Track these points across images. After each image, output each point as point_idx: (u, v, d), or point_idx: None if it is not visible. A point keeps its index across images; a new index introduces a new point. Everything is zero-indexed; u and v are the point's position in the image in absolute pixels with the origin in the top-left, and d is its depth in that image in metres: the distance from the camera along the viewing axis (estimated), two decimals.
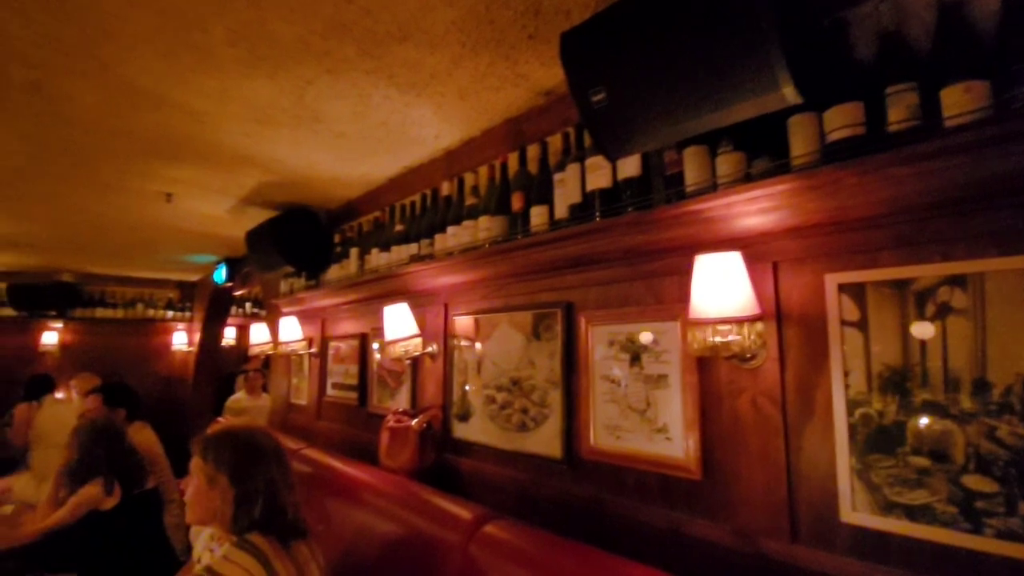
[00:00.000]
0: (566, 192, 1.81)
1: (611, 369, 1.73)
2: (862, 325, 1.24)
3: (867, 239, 1.25)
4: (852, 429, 1.23)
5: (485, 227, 2.14)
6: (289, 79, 1.89)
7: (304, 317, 3.61)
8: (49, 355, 6.34)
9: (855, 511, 1.22)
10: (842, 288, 1.27)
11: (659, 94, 1.22)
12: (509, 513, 1.74)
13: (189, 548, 2.83)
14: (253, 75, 1.85)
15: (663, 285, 1.63)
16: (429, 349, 2.44)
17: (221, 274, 5.43)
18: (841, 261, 1.29)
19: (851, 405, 1.24)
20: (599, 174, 1.69)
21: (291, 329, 3.53)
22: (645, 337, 1.63)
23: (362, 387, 3.01)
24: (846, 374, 1.25)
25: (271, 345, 4.07)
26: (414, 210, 2.72)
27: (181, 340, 6.90)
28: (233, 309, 7.19)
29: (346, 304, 3.23)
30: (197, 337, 6.71)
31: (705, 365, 1.49)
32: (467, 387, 2.28)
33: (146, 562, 2.71)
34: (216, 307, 6.55)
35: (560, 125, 2.06)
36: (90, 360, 6.18)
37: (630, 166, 1.62)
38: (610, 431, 1.71)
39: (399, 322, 2.36)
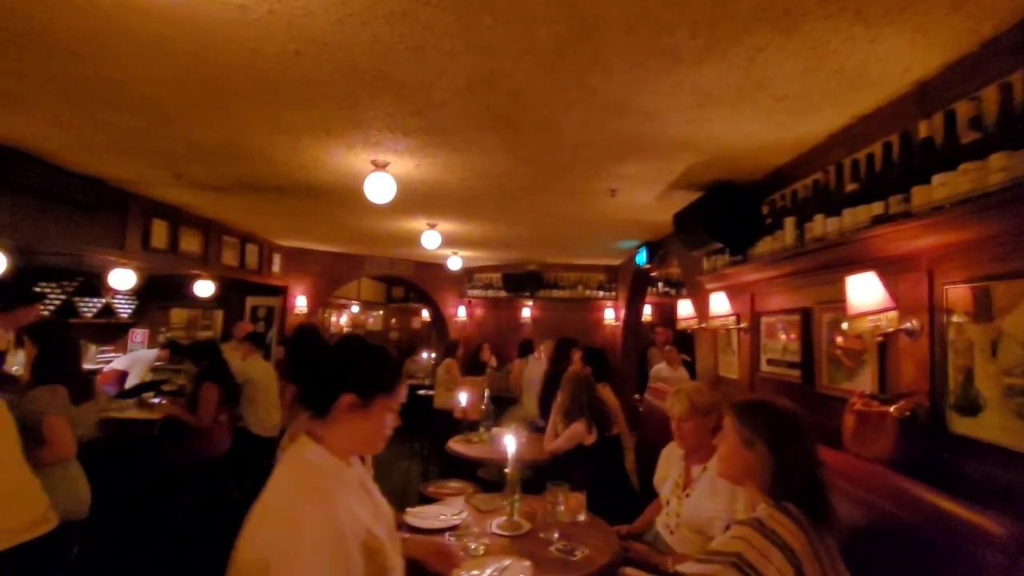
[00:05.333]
0: None
1: None
2: None
3: None
4: None
5: (1000, 167, 1.64)
6: (739, 53, 1.91)
7: (730, 292, 3.64)
8: (525, 326, 8.52)
9: None
10: None
11: None
12: None
13: (643, 488, 3.30)
14: (705, 61, 1.96)
15: None
16: (906, 325, 2.06)
17: (642, 257, 6.06)
18: None
19: None
20: None
21: (719, 304, 3.62)
22: None
23: (806, 365, 2.81)
24: None
25: (695, 320, 4.30)
26: (871, 164, 2.34)
27: (609, 316, 8.09)
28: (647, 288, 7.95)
29: (780, 277, 3.08)
30: (622, 314, 7.74)
31: None
32: (972, 373, 1.82)
33: (615, 492, 3.31)
34: (636, 287, 7.38)
35: None
36: (549, 331, 7.98)
37: None
38: None
39: (864, 294, 2.09)
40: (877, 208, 2.15)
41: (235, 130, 2.86)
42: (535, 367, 6.10)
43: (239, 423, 4.32)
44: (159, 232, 4.80)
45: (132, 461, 3.74)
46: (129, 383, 5.28)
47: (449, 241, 6.13)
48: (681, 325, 4.35)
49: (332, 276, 7.94)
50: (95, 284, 6.06)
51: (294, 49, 1.95)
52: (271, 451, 4.35)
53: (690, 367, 5.79)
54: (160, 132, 2.93)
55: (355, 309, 13.02)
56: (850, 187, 2.38)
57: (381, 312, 14.34)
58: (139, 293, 6.45)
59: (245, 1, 1.68)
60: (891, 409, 1.95)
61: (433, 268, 8.46)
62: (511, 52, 1.91)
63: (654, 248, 5.96)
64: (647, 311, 8.20)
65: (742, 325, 3.53)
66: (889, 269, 2.15)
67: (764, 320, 3.32)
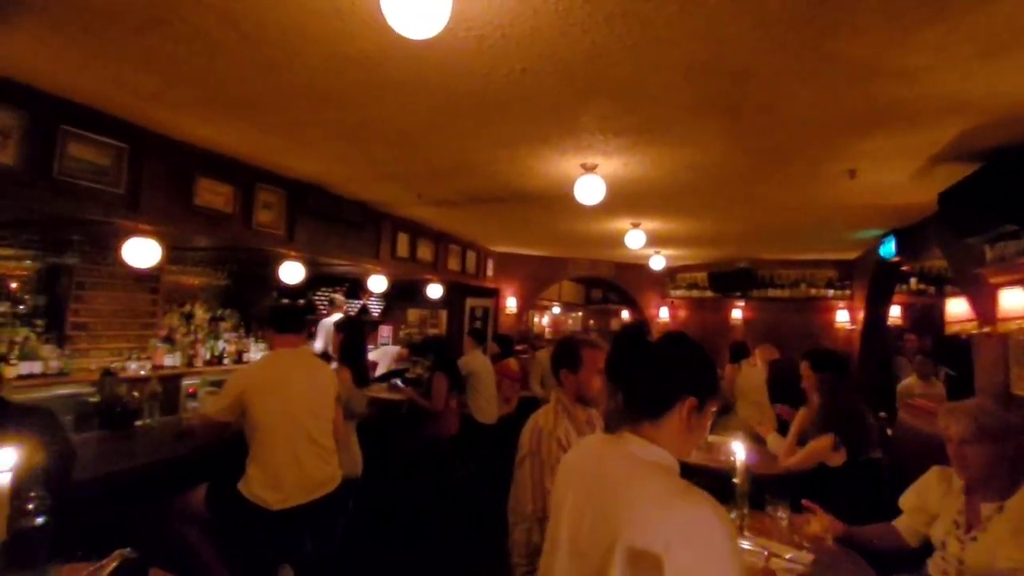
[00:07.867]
0: None
1: None
2: None
3: None
4: None
5: None
6: None
7: None
8: (736, 328, 7.86)
9: None
10: None
11: None
12: None
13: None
14: None
15: None
16: None
17: (889, 247, 5.10)
18: None
19: None
20: None
21: (1013, 302, 2.87)
22: None
23: None
24: None
25: (974, 323, 3.47)
26: None
27: (843, 318, 6.99)
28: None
29: None
30: (860, 315, 6.61)
31: None
32: None
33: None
34: (880, 284, 6.23)
35: None
36: (765, 333, 7.22)
37: None
38: None
39: None
40: None
41: (465, 150, 3.25)
42: (750, 373, 5.58)
43: (465, 410, 4.87)
44: (402, 243, 5.69)
45: (389, 436, 4.51)
46: (378, 372, 6.36)
47: (653, 240, 6.00)
48: (951, 329, 3.54)
49: (538, 278, 8.41)
50: (356, 288, 7.46)
51: (520, 68, 2.14)
52: (491, 437, 4.82)
53: (953, 382, 4.67)
54: (409, 158, 3.48)
55: (556, 310, 13.57)
56: None
57: (580, 313, 14.67)
58: (386, 295, 7.73)
59: (482, 32, 1.90)
60: None
61: (634, 269, 8.37)
62: (736, 31, 1.80)
63: (905, 236, 4.97)
64: (894, 312, 6.87)
65: None
66: None
67: None
